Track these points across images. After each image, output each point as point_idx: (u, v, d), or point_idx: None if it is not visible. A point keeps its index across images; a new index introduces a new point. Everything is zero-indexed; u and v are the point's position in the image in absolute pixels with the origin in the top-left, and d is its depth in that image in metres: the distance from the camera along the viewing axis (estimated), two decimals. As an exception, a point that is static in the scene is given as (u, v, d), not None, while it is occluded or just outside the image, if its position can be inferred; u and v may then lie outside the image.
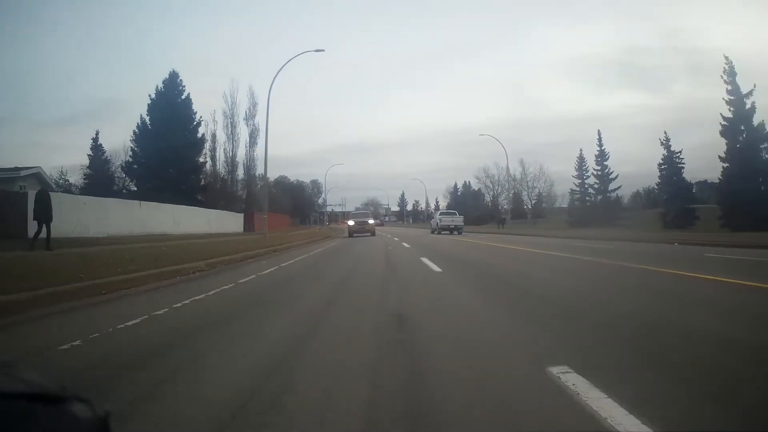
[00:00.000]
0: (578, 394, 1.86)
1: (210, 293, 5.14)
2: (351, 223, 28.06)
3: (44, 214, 9.71)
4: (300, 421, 1.75)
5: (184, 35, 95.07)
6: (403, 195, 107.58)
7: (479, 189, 76.91)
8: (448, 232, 26.70)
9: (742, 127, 26.07)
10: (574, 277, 6.47)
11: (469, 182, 77.45)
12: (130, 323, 3.52)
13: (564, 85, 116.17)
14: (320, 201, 71.53)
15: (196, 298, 4.81)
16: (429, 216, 69.17)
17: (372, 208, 71.95)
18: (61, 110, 67.39)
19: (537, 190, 62.52)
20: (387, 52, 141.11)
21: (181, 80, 34.00)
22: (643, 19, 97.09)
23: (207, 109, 61.05)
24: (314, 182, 69.66)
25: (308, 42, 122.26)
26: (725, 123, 26.29)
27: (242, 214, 35.46)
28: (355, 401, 1.89)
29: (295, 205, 68.91)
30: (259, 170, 38.62)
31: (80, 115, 69.43)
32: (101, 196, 20.12)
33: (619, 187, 45.43)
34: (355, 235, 25.68)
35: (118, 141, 61.91)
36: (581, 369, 2.11)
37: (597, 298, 4.52)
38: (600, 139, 43.45)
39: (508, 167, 46.78)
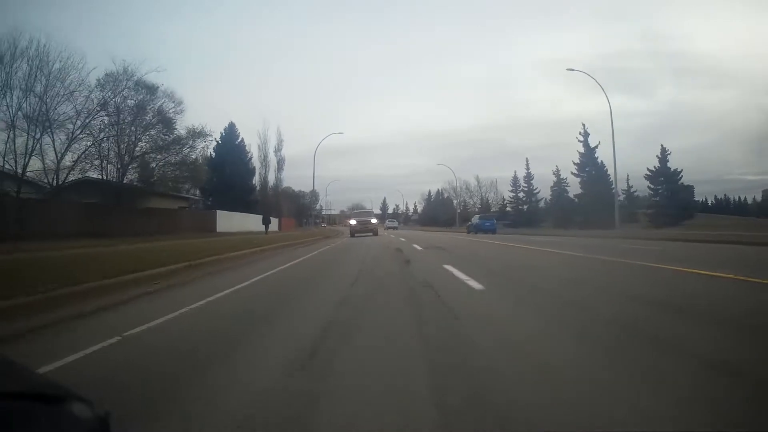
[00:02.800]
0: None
1: (329, 246, 17.64)
2: (353, 222, 27.83)
3: (267, 222, 26.54)
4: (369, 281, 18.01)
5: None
6: (384, 200, 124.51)
7: (447, 196, 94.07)
8: (392, 229, 49.59)
9: (587, 168, 43.90)
10: (432, 235, 23.40)
11: (441, 190, 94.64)
12: (324, 248, 19.50)
13: (546, 88, 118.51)
14: (317, 207, 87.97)
15: (331, 245, 20.92)
16: (406, 219, 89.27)
17: (356, 211, 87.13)
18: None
19: (487, 199, 79.86)
20: (367, 56, 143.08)
21: (237, 129, 50.70)
22: (625, 24, 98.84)
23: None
24: (313, 192, 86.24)
25: (296, 45, 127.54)
26: (576, 166, 44.21)
27: (278, 219, 52.28)
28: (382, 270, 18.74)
29: (296, 210, 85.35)
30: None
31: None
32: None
33: (542, 199, 63.24)
34: (356, 235, 25.64)
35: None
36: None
37: (421, 238, 21.54)
38: (528, 165, 61.71)
39: (457, 186, 64.11)
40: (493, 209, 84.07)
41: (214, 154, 50.30)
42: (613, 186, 46.24)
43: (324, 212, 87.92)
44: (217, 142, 50.41)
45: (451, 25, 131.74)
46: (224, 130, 50.54)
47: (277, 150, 57.01)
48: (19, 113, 18.96)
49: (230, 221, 31.91)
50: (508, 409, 1.84)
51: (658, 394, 1.95)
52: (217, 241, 16.46)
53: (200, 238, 20.01)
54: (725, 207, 69.94)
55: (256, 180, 56.32)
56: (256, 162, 56.57)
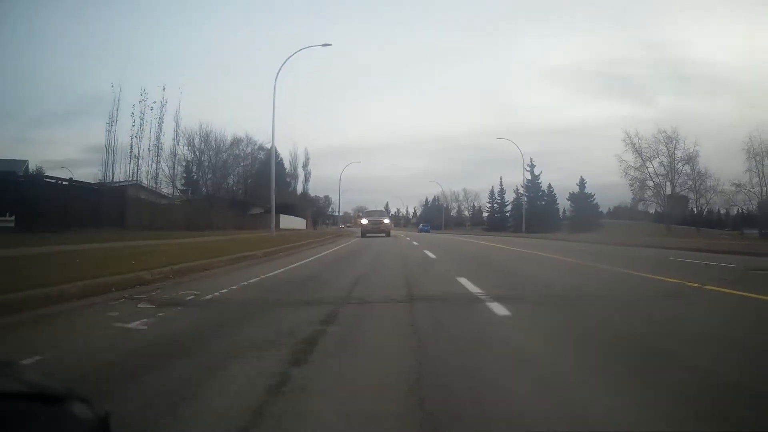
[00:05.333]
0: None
1: (355, 239, 39.48)
2: (364, 221, 28.76)
3: (315, 223, 44.82)
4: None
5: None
6: (387, 204, 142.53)
7: (440, 203, 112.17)
8: None
9: (529, 193, 62.24)
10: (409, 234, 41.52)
11: (437, 197, 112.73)
12: (357, 238, 38.05)
13: (546, 94, 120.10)
14: (329, 211, 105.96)
15: (354, 239, 39.26)
16: (406, 222, 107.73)
17: (368, 210, 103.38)
18: (47, 106, 70.74)
19: (479, 206, 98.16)
20: (366, 59, 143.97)
21: (278, 149, 68.89)
22: (625, 31, 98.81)
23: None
24: (326, 197, 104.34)
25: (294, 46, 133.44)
26: (522, 188, 62.65)
27: (305, 220, 70.69)
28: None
29: (313, 212, 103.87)
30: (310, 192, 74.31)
31: (65, 111, 76.92)
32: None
33: (511, 209, 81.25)
34: (368, 235, 26.41)
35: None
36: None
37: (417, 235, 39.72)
38: (501, 182, 79.89)
39: (447, 197, 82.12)
40: (484, 214, 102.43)
41: (258, 169, 68.93)
42: (557, 203, 65.18)
43: (336, 215, 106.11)
44: (260, 159, 68.98)
45: (449, 31, 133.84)
46: (265, 153, 68.98)
47: (305, 166, 75.44)
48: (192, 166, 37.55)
49: (284, 221, 50.10)
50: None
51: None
52: (301, 233, 34.50)
53: (281, 232, 38.00)
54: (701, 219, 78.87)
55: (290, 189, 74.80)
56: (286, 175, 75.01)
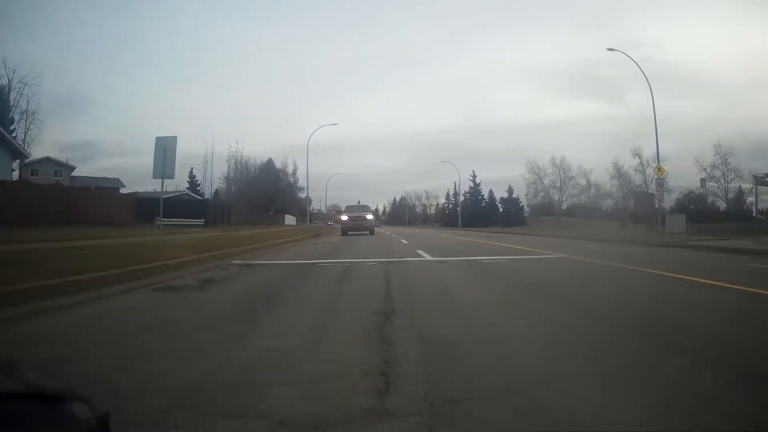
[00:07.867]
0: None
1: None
2: (344, 218, 28.77)
3: (310, 220, 64.45)
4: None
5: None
6: (359, 202, 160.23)
7: (406, 202, 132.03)
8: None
9: (472, 197, 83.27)
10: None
11: (404, 196, 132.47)
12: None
13: (518, 93, 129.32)
14: (311, 209, 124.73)
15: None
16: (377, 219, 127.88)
17: (336, 211, 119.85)
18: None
19: (442, 205, 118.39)
20: (343, 56, 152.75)
21: (273, 161, 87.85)
22: (598, 30, 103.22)
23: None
24: (307, 197, 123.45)
25: (282, 50, 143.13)
26: (467, 193, 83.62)
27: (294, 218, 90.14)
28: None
29: (299, 211, 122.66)
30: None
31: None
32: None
33: (460, 206, 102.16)
34: (350, 233, 26.62)
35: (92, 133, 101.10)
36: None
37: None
38: (455, 185, 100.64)
39: (411, 197, 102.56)
40: (445, 212, 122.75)
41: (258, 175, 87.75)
42: (497, 203, 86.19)
43: (314, 212, 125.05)
44: (260, 169, 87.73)
45: (420, 31, 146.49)
46: (264, 162, 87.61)
47: (293, 173, 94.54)
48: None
49: (287, 219, 69.41)
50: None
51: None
52: (309, 227, 53.96)
53: (287, 227, 57.33)
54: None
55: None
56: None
